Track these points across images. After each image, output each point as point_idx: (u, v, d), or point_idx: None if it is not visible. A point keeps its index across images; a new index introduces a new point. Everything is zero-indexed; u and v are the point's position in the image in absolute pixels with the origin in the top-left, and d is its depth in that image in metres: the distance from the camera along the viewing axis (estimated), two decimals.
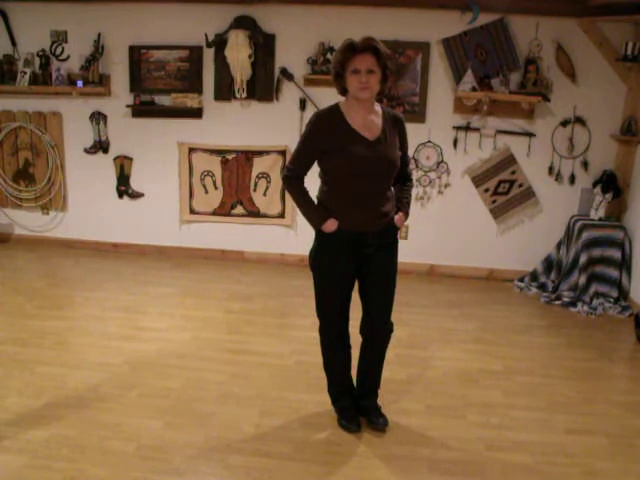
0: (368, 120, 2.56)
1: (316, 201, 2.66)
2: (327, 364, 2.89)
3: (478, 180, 5.00)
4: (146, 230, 5.44)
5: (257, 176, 5.22)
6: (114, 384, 3.15)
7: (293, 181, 2.64)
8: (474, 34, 4.68)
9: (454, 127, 4.91)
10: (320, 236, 2.64)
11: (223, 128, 5.14)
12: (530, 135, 4.84)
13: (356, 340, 2.83)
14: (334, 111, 2.56)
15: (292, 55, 4.90)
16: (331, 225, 2.56)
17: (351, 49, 2.43)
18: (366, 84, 2.44)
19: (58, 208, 5.50)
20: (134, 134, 5.25)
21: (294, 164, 2.64)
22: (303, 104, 4.99)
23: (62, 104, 5.26)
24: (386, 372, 3.32)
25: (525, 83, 4.67)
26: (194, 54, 4.99)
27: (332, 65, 2.55)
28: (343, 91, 2.57)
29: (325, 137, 2.54)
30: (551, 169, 4.89)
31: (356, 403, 2.90)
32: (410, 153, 5.00)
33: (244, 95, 4.97)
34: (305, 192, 2.64)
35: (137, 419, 2.83)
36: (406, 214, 2.72)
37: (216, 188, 5.28)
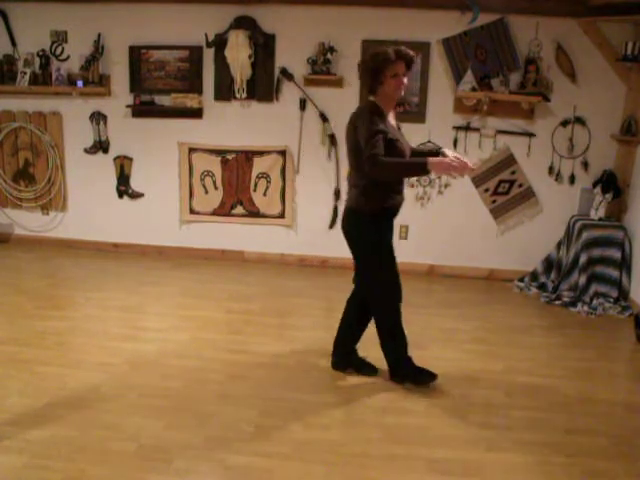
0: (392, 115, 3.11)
1: (362, 190, 3.01)
2: (396, 327, 3.20)
3: (478, 180, 5.00)
4: (146, 230, 5.44)
5: (257, 176, 5.22)
6: (114, 384, 3.15)
7: (383, 158, 2.83)
8: (474, 34, 4.68)
9: (454, 127, 4.91)
10: (374, 217, 3.04)
11: (223, 128, 5.15)
12: (530, 135, 4.84)
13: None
14: (377, 107, 2.97)
15: (292, 55, 4.90)
16: (432, 162, 2.83)
17: (395, 57, 2.88)
18: (403, 87, 2.95)
19: (58, 208, 5.50)
20: (134, 134, 5.25)
21: (375, 147, 2.82)
22: (303, 104, 4.99)
23: (62, 104, 5.26)
24: (386, 371, 3.33)
25: (525, 83, 4.67)
26: (194, 54, 4.99)
27: (370, 68, 2.93)
28: (372, 90, 2.97)
29: (382, 125, 2.90)
30: (551, 169, 4.89)
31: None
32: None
33: (244, 95, 4.97)
34: (395, 159, 2.91)
35: (137, 419, 2.83)
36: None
37: (216, 188, 5.28)
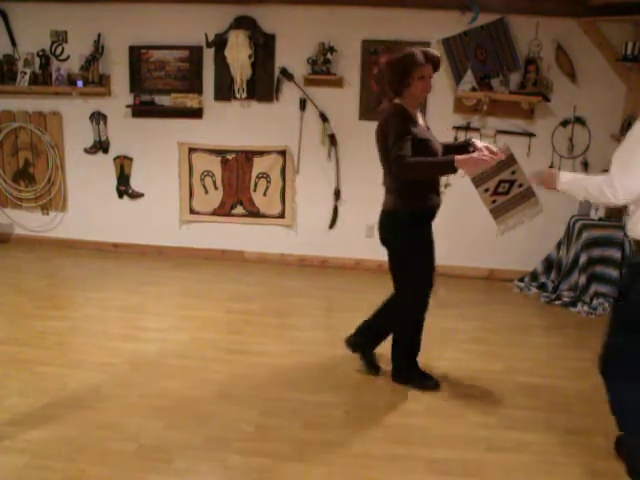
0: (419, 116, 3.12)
1: (398, 193, 3.02)
2: (415, 333, 3.24)
3: (478, 180, 4.96)
4: (146, 230, 5.44)
5: (257, 176, 5.22)
6: (114, 384, 3.15)
7: (409, 159, 2.83)
8: (474, 34, 4.68)
9: (454, 127, 4.90)
10: (412, 219, 3.03)
11: (223, 128, 5.14)
12: (530, 135, 4.84)
13: None
14: (403, 109, 2.98)
15: (292, 55, 4.90)
16: (459, 159, 2.81)
17: (424, 60, 2.90)
18: (430, 89, 3.00)
19: (58, 208, 5.50)
20: (134, 134, 5.25)
21: (401, 148, 2.82)
22: (303, 104, 4.99)
23: (62, 104, 5.26)
24: (386, 371, 3.32)
25: (525, 83, 4.66)
26: (194, 54, 4.99)
27: (397, 70, 2.92)
28: (398, 92, 2.98)
29: (411, 128, 2.92)
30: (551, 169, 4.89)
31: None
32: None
33: (244, 95, 4.97)
34: (421, 158, 2.88)
35: (137, 419, 2.83)
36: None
37: (216, 188, 5.28)
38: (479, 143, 3.04)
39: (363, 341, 3.37)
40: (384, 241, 3.15)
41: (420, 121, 3.09)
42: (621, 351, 2.45)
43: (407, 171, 2.86)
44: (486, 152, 2.89)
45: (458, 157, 2.81)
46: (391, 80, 2.97)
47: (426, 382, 3.23)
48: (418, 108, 3.12)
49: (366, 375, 3.35)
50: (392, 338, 3.26)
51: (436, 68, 2.99)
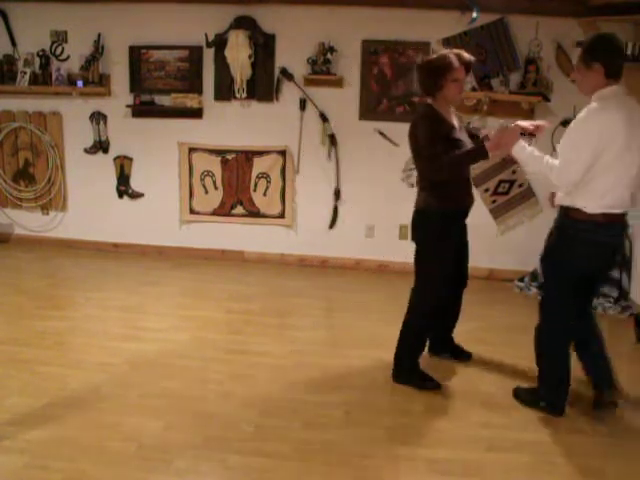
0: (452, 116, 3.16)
1: (430, 192, 3.08)
2: (424, 333, 3.27)
3: (478, 180, 4.99)
4: (146, 230, 5.44)
5: (257, 176, 5.22)
6: (114, 384, 3.15)
7: (441, 159, 2.92)
8: (474, 34, 4.68)
9: None
10: (442, 219, 3.08)
11: (223, 128, 5.15)
12: (530, 135, 4.82)
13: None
14: (434, 110, 3.04)
15: (292, 55, 4.90)
16: (488, 145, 2.89)
17: (458, 64, 2.97)
18: (463, 91, 3.10)
19: (58, 208, 5.50)
20: (134, 134, 5.25)
21: (435, 148, 2.91)
22: (303, 104, 4.99)
23: (62, 104, 5.26)
24: (386, 372, 3.32)
25: (525, 83, 4.66)
26: (194, 54, 4.99)
27: (431, 72, 3.00)
28: (430, 93, 3.04)
29: (441, 129, 2.98)
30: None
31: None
32: (410, 153, 5.01)
33: (244, 95, 4.97)
34: (451, 155, 2.95)
35: (137, 419, 2.82)
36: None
37: (216, 188, 5.28)
38: (524, 123, 3.07)
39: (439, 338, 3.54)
40: (413, 238, 3.23)
41: (454, 122, 3.12)
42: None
43: (441, 171, 2.97)
44: (504, 133, 2.91)
45: (487, 143, 2.90)
46: (424, 82, 3.07)
47: (426, 383, 3.21)
48: (451, 109, 3.15)
49: (366, 375, 3.35)
50: (400, 334, 3.26)
51: (468, 71, 3.06)
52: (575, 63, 2.80)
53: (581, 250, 2.75)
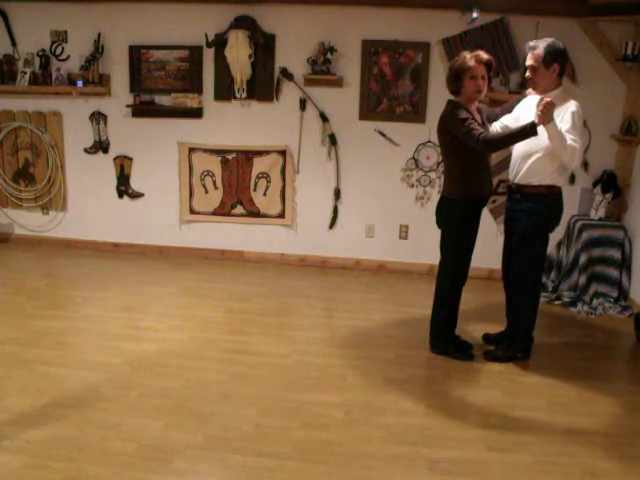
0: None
1: (456, 181, 3.39)
2: (450, 305, 3.60)
3: None
4: (146, 230, 5.44)
5: (257, 176, 5.22)
6: (114, 384, 3.15)
7: (487, 135, 3.18)
8: (474, 34, 4.68)
9: None
10: (465, 206, 3.39)
11: (223, 128, 5.14)
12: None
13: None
14: (458, 103, 3.31)
15: (292, 55, 4.90)
16: (535, 121, 3.03)
17: (473, 62, 3.23)
18: (482, 87, 3.27)
19: (58, 208, 5.50)
20: (134, 134, 5.25)
21: (474, 129, 3.15)
22: (303, 104, 4.99)
23: (62, 104, 5.26)
24: (386, 372, 3.33)
25: (525, 83, 4.66)
26: (194, 54, 4.99)
27: (452, 72, 3.31)
28: (456, 92, 3.33)
29: (468, 114, 3.23)
30: None
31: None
32: (410, 153, 5.04)
33: (244, 95, 4.97)
34: (499, 131, 3.42)
35: (137, 419, 2.83)
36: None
37: (216, 188, 5.28)
38: (510, 118, 3.46)
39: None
40: (438, 223, 3.58)
41: (477, 116, 3.35)
42: None
43: (490, 146, 3.21)
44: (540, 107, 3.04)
45: (533, 120, 3.03)
46: (449, 83, 3.37)
47: (460, 354, 3.57)
48: (476, 106, 3.39)
49: (366, 375, 3.35)
50: (433, 310, 3.63)
51: (489, 68, 3.29)
52: (529, 64, 3.26)
53: (559, 214, 3.45)
